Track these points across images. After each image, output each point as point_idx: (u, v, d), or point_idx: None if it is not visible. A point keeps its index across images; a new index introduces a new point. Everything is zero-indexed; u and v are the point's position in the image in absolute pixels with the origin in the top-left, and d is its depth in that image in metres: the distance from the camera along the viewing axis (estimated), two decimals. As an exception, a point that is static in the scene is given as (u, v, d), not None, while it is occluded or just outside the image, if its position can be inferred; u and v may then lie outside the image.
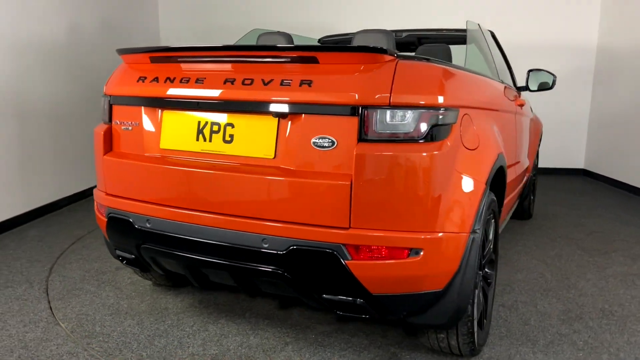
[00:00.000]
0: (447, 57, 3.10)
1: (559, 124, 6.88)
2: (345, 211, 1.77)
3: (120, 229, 2.17)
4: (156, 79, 2.08)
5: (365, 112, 1.75)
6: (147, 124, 2.13)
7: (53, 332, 2.38)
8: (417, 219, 1.79)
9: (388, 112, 1.76)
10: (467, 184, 1.95)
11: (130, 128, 2.18)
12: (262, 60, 1.92)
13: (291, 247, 1.81)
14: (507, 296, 2.92)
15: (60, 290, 2.87)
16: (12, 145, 4.01)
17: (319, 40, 4.40)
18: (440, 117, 1.83)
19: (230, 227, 1.90)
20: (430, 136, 1.80)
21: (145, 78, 2.11)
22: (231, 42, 2.82)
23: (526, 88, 4.08)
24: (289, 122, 1.85)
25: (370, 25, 4.13)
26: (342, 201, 1.76)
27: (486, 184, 2.05)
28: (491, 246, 2.40)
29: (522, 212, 4.62)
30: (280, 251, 1.83)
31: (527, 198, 4.54)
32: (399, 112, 1.77)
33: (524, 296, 2.92)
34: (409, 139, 1.78)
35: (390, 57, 1.83)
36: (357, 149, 1.75)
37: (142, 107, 2.13)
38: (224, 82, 1.93)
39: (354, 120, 1.77)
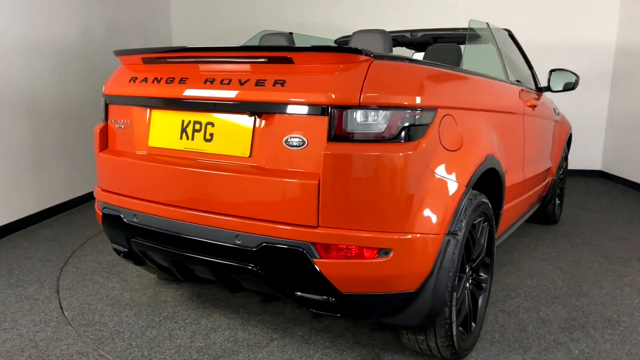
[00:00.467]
0: (457, 57, 3.06)
1: (576, 125, 6.72)
2: (314, 210, 1.78)
3: (113, 223, 2.26)
4: (145, 79, 2.16)
5: (335, 111, 1.76)
6: (138, 123, 2.21)
7: (63, 332, 2.41)
8: (385, 220, 1.79)
9: (358, 112, 1.76)
10: (444, 186, 1.92)
11: (122, 126, 2.27)
12: (241, 60, 1.97)
13: (262, 244, 1.84)
14: (511, 301, 2.85)
15: (71, 280, 3.01)
16: (24, 145, 4.06)
17: (335, 41, 4.41)
18: (414, 117, 1.81)
19: (207, 224, 1.95)
20: (402, 136, 1.79)
21: (137, 78, 2.20)
22: (241, 43, 2.88)
23: (548, 88, 3.96)
24: (264, 122, 1.89)
25: (388, 25, 4.11)
26: (310, 200, 1.78)
27: (467, 186, 2.02)
28: (483, 250, 2.36)
29: (546, 217, 4.47)
30: (252, 248, 1.86)
31: (551, 202, 4.39)
32: (369, 112, 1.77)
33: (528, 302, 2.85)
34: (379, 139, 1.78)
35: (364, 58, 1.83)
36: (325, 149, 1.76)
37: (133, 107, 2.21)
38: (204, 82, 1.99)
39: (324, 120, 1.78)
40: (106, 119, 2.34)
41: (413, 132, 1.82)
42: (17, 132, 3.99)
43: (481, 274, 2.45)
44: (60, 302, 2.72)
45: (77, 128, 4.76)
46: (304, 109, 1.81)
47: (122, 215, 2.19)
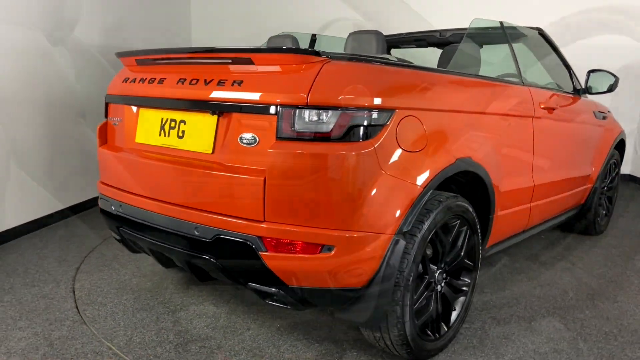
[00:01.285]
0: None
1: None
2: (261, 206, 1.87)
3: (105, 213, 2.47)
4: (134, 80, 2.34)
5: (283, 111, 1.84)
6: (128, 120, 2.40)
7: (78, 331, 2.45)
8: (327, 217, 1.84)
9: (305, 112, 1.83)
10: (397, 186, 1.94)
11: (117, 124, 2.47)
12: (207, 61, 2.09)
13: (216, 236, 1.96)
14: (508, 310, 2.77)
15: (92, 265, 3.28)
16: (42, 144, 4.04)
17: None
18: (364, 117, 1.85)
19: (173, 215, 2.09)
20: (350, 136, 1.84)
21: (128, 79, 2.39)
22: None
23: (585, 90, 3.77)
24: (224, 120, 2.00)
25: (416, 25, 4.09)
26: (258, 196, 1.87)
27: (426, 187, 2.02)
28: (460, 253, 2.33)
29: (587, 227, 4.22)
30: (208, 239, 1.98)
31: (592, 211, 4.15)
32: (316, 112, 1.83)
33: (526, 312, 2.75)
34: (325, 139, 1.83)
35: (318, 59, 1.90)
36: (271, 147, 1.84)
37: (125, 106, 2.41)
38: (177, 82, 2.13)
39: (274, 119, 1.86)
40: (106, 116, 2.56)
41: (363, 132, 1.86)
42: (34, 132, 3.95)
43: (463, 278, 2.43)
44: (75, 302, 2.78)
45: (94, 128, 4.73)
46: (257, 108, 1.90)
47: (111, 205, 2.39)
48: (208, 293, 2.86)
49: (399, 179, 1.94)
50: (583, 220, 4.18)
